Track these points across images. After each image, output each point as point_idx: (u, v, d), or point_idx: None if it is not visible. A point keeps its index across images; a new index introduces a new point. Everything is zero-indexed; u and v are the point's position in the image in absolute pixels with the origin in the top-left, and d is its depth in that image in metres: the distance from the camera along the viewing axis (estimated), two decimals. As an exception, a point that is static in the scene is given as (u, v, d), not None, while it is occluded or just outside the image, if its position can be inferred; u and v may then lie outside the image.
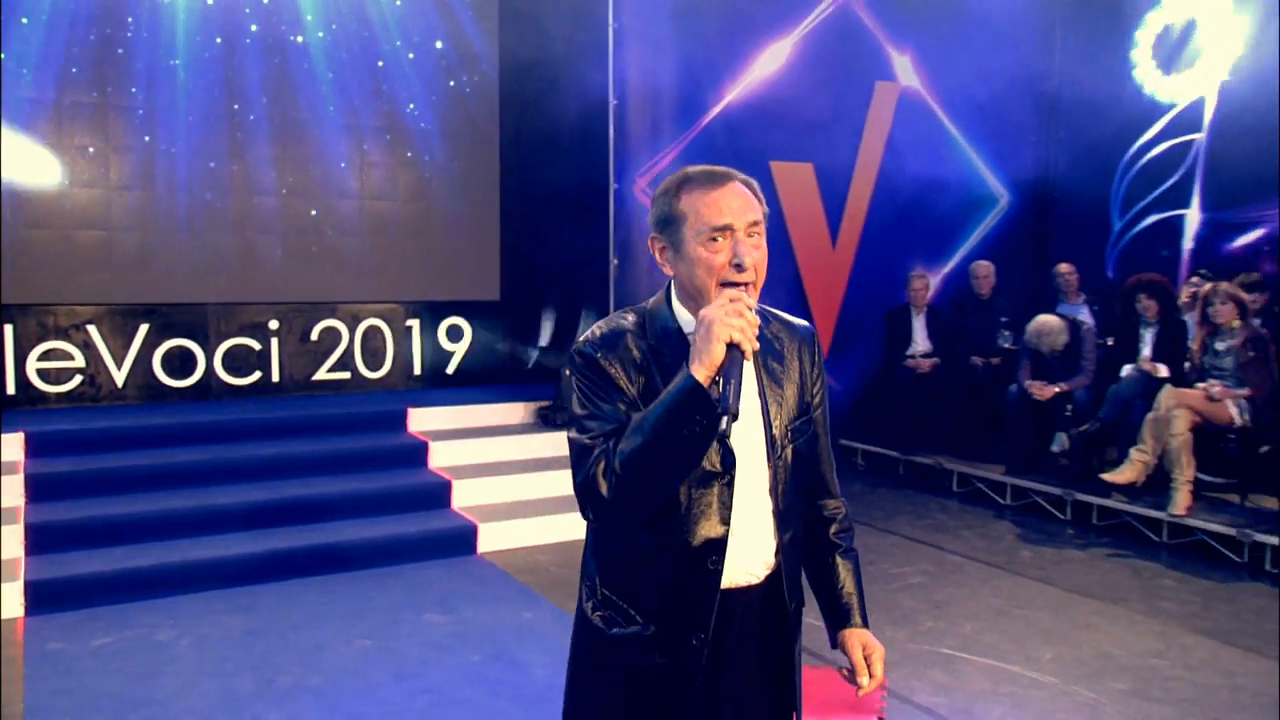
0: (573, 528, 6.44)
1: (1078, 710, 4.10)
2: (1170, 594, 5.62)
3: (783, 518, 2.09)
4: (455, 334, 8.06)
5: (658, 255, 2.07)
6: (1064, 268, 8.42)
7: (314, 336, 7.47)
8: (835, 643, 2.16)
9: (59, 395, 6.87)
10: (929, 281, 8.49)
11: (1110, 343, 7.33)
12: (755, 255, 1.95)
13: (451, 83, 7.91)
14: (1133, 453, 6.55)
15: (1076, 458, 7.09)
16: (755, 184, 2.06)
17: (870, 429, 8.94)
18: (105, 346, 6.91)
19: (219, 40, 7.02)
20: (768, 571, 2.09)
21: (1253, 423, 6.35)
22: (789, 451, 2.11)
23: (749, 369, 2.04)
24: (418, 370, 7.92)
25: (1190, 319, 6.95)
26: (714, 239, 1.95)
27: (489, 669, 4.61)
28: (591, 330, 2.08)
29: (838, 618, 2.19)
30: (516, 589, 5.66)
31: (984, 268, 8.42)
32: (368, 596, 5.51)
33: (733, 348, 1.80)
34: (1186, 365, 6.63)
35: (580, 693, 2.18)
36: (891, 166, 8.88)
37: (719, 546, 2.03)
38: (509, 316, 8.31)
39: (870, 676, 2.11)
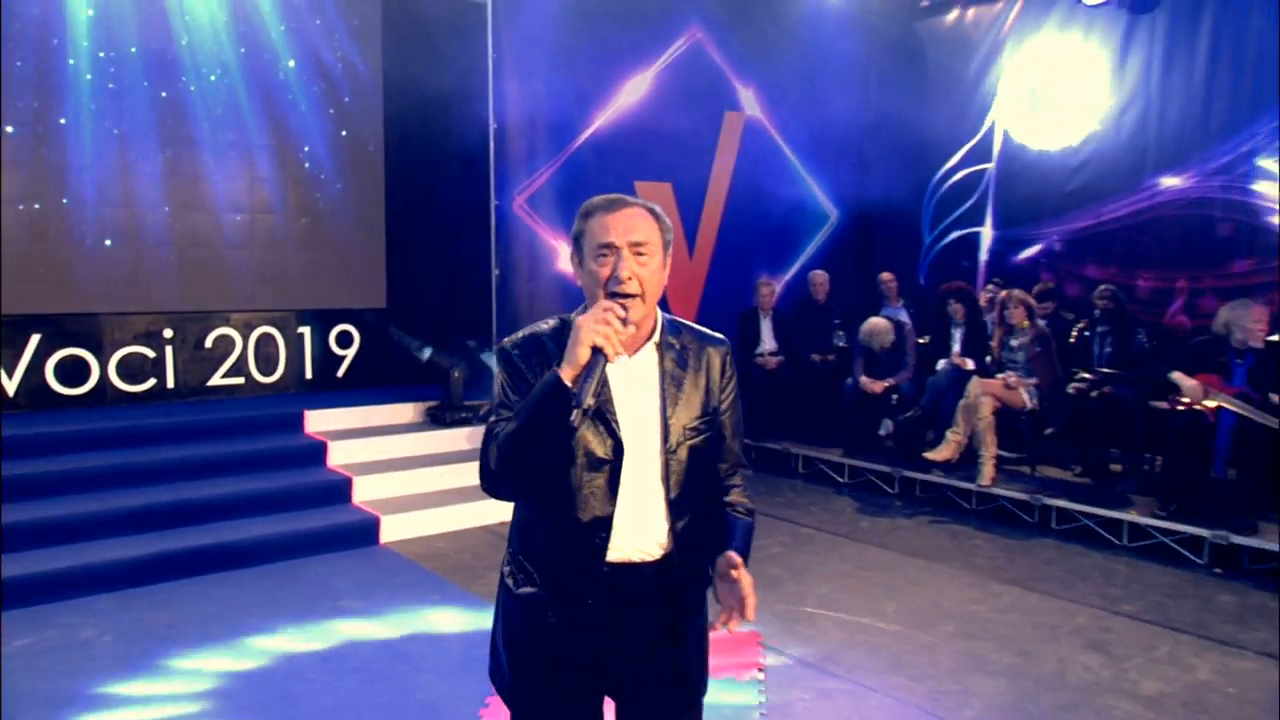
0: (468, 517, 6.59)
1: (918, 650, 4.53)
2: (981, 551, 6.17)
3: (675, 505, 2.18)
4: (345, 340, 7.96)
5: (575, 270, 2.21)
6: (886, 276, 8.93)
7: (208, 344, 7.28)
8: (716, 566, 2.12)
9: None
10: (774, 288, 8.78)
11: (926, 341, 7.87)
12: (636, 270, 2.06)
13: (336, 104, 7.79)
14: (948, 434, 7.04)
15: (902, 440, 7.62)
16: (657, 210, 2.17)
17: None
18: None
19: (103, 55, 6.73)
20: (663, 551, 2.18)
21: (1040, 407, 6.94)
22: (684, 448, 2.20)
23: (653, 373, 2.20)
24: (309, 375, 7.80)
25: (990, 320, 7.53)
26: (601, 255, 2.08)
27: (409, 646, 4.63)
28: (516, 334, 2.22)
29: (721, 544, 2.19)
30: (422, 574, 5.71)
31: (819, 276, 8.84)
32: (282, 588, 5.44)
33: (596, 351, 1.94)
34: (988, 359, 7.20)
35: (497, 640, 2.32)
36: (739, 186, 9.13)
37: (606, 524, 2.13)
38: (396, 323, 8.18)
39: (742, 608, 2.05)
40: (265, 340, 7.55)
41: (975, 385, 6.94)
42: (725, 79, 8.98)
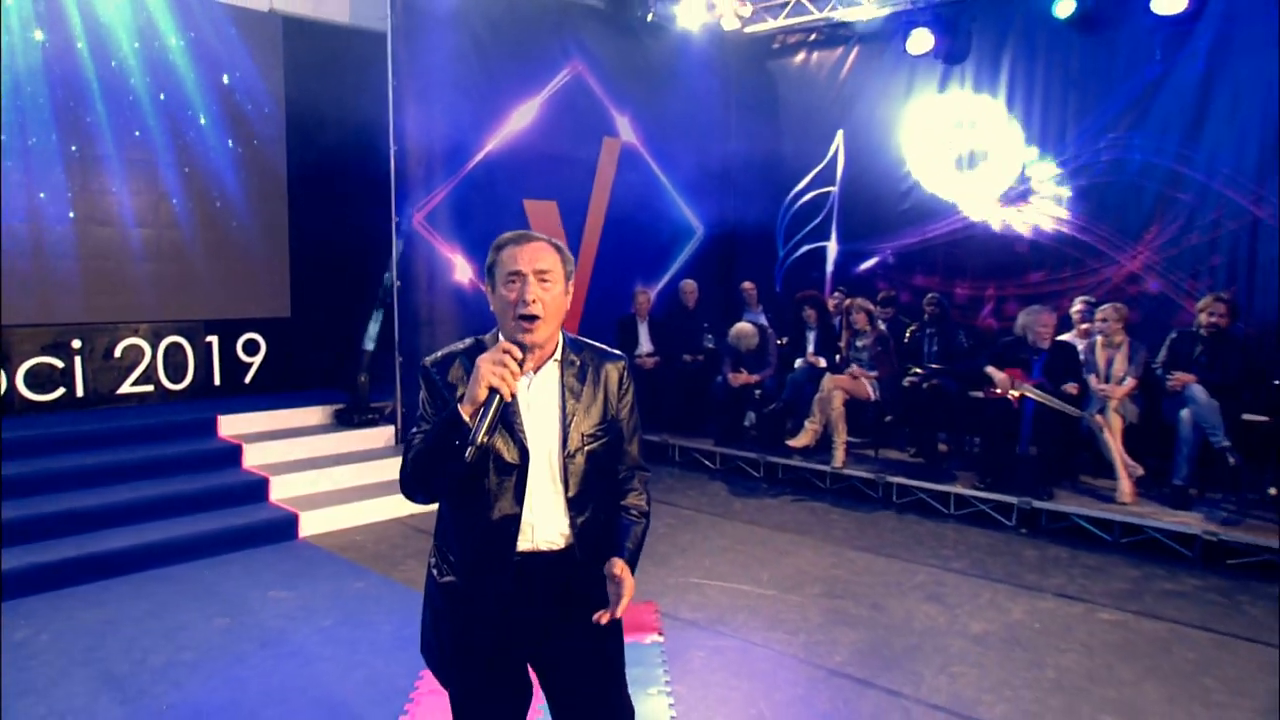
0: (382, 510, 6.61)
1: (791, 609, 4.88)
2: (836, 524, 6.52)
3: (574, 503, 2.24)
4: (252, 347, 7.77)
5: (489, 296, 2.26)
6: (747, 285, 9.29)
7: (117, 354, 7.00)
8: (605, 569, 2.20)
9: None
10: (649, 296, 8.93)
11: (784, 342, 8.21)
12: (540, 294, 2.13)
13: (240, 124, 7.58)
14: (806, 424, 7.38)
15: (765, 430, 7.97)
16: (560, 244, 2.24)
17: None
18: None
19: (8, 74, 6.40)
20: (566, 542, 2.25)
21: (881, 398, 7.34)
22: (582, 454, 2.25)
23: (555, 387, 2.25)
24: (218, 381, 7.56)
25: (838, 323, 7.92)
26: (510, 281, 2.15)
27: (341, 631, 4.68)
28: (436, 354, 2.28)
29: (610, 551, 2.26)
30: (343, 564, 5.70)
31: (689, 285, 9.05)
32: (211, 583, 5.36)
33: (493, 391, 2.01)
34: (837, 357, 7.57)
35: (427, 621, 2.39)
36: (617, 204, 9.17)
37: (515, 521, 2.20)
38: (300, 331, 8.04)
39: (618, 604, 2.16)
40: (174, 349, 7.30)
41: (828, 380, 7.31)
42: (603, 107, 9.02)
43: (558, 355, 2.24)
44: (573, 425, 2.22)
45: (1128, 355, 6.37)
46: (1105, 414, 6.20)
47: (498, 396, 2.00)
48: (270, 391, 7.83)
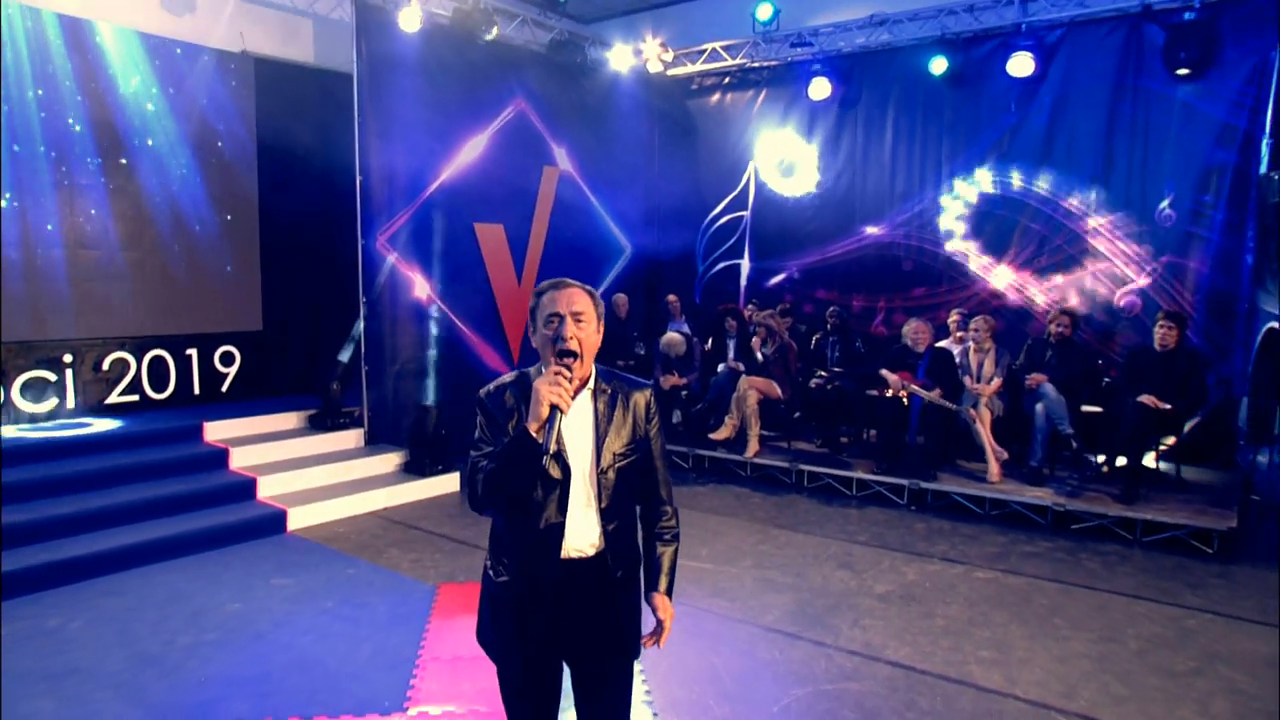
0: (360, 504, 6.76)
1: (728, 579, 5.28)
2: (758, 507, 6.92)
3: (605, 515, 2.31)
4: (228, 359, 7.77)
5: (531, 335, 2.35)
6: (672, 298, 9.55)
7: (105, 367, 6.97)
8: (647, 600, 2.42)
9: None
10: None
11: (709, 347, 8.48)
12: (576, 332, 2.22)
13: (215, 156, 7.57)
14: (726, 420, 7.84)
15: (691, 425, 8.33)
16: (592, 290, 2.34)
17: None
18: None
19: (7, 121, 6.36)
20: (595, 550, 2.32)
21: (791, 396, 7.82)
22: (613, 470, 2.32)
23: (589, 413, 2.33)
24: (198, 390, 7.55)
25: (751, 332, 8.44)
26: (550, 321, 2.23)
27: (343, 611, 4.85)
28: (489, 385, 2.35)
29: (649, 584, 2.44)
30: (332, 554, 5.83)
31: (621, 298, 9.31)
32: (215, 573, 5.44)
33: (553, 408, 2.11)
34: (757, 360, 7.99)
35: (482, 615, 2.45)
36: (556, 226, 9.29)
37: (559, 529, 2.27)
38: (271, 343, 8.07)
39: (661, 633, 2.41)
40: (157, 361, 7.29)
41: (743, 382, 7.76)
42: (543, 140, 9.16)
43: (591, 385, 2.33)
44: (605, 446, 2.30)
45: (995, 359, 7.02)
46: (977, 408, 6.83)
47: (558, 412, 2.12)
48: (246, 399, 7.82)
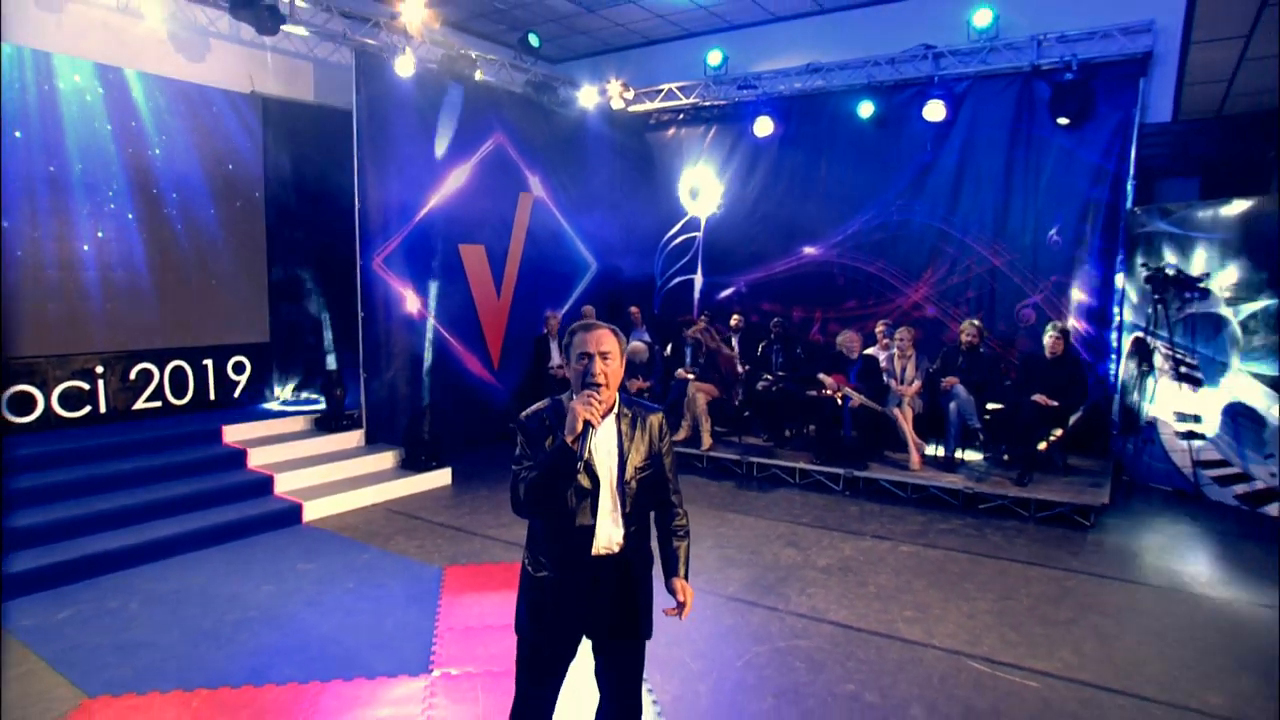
0: (367, 498, 6.97)
1: (693, 557, 5.26)
2: (714, 494, 7.29)
3: (627, 519, 2.49)
4: (239, 368, 7.93)
5: (565, 366, 2.52)
6: (634, 309, 9.86)
7: (132, 376, 7.12)
8: (668, 585, 2.60)
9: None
10: (557, 318, 9.34)
11: (669, 352, 8.87)
12: (603, 368, 2.40)
13: (228, 187, 7.70)
14: (683, 421, 8.25)
15: None
16: (617, 330, 2.49)
17: None
18: None
19: (21, 133, 6.43)
20: (619, 548, 2.50)
21: (742, 397, 8.29)
22: (634, 483, 2.49)
23: (614, 433, 2.50)
24: (213, 397, 7.69)
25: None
26: (581, 359, 2.42)
27: (364, 590, 5.11)
28: (528, 410, 2.53)
29: (669, 571, 2.63)
30: (346, 542, 6.05)
31: (589, 309, 9.39)
32: (245, 560, 5.64)
33: (586, 424, 2.31)
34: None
35: (521, 604, 2.60)
36: (530, 245, 9.58)
37: (589, 530, 2.45)
38: (277, 353, 8.23)
39: (683, 606, 2.57)
40: (177, 371, 7.45)
41: (692, 386, 8.19)
42: (519, 169, 9.42)
43: (615, 410, 2.52)
44: (628, 460, 2.49)
45: (915, 364, 7.59)
46: (901, 407, 7.37)
47: (590, 427, 2.35)
48: (255, 404, 8.01)
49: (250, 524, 6.17)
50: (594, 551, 2.45)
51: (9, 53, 6.28)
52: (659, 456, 2.55)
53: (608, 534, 2.48)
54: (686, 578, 2.59)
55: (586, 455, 2.38)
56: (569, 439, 2.30)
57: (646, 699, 3.74)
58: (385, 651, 4.31)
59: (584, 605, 2.49)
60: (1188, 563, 5.56)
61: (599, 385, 2.38)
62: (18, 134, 6.40)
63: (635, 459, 2.49)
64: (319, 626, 4.62)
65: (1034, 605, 4.87)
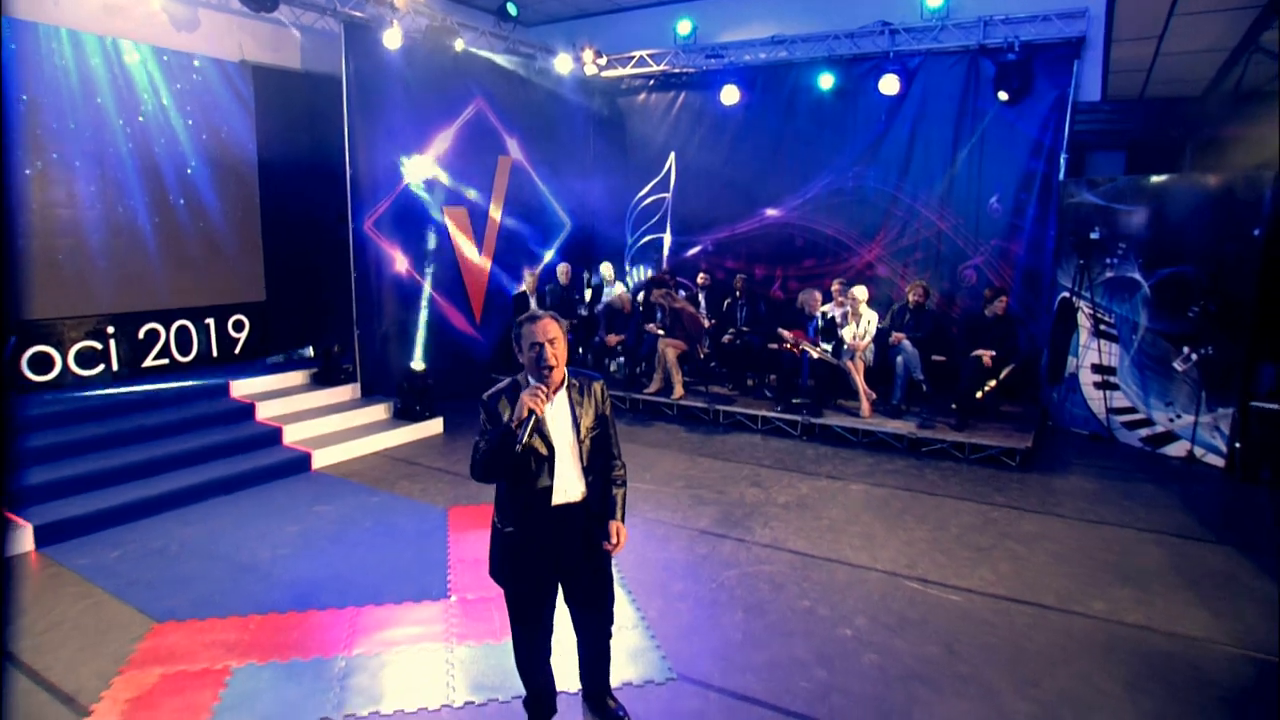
0: (368, 446, 7.40)
1: (667, 496, 6.21)
2: (685, 440, 7.82)
3: (586, 470, 2.89)
4: (239, 326, 8.25)
5: (518, 354, 2.82)
6: (605, 267, 10.21)
7: (140, 335, 7.44)
8: (604, 526, 2.98)
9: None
10: (536, 274, 9.72)
11: (642, 306, 9.30)
12: (552, 352, 2.73)
13: (223, 155, 7.91)
14: (655, 373, 8.78)
15: (627, 377, 9.20)
16: (558, 316, 2.80)
17: (510, 366, 9.61)
18: None
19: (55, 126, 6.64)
20: (580, 497, 2.90)
21: (708, 350, 8.81)
22: (588, 441, 2.89)
23: (566, 403, 2.84)
24: (215, 354, 8.02)
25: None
26: (533, 347, 2.74)
27: (379, 529, 5.60)
28: (490, 390, 2.84)
29: (609, 514, 3.00)
30: (355, 486, 6.50)
31: (564, 267, 9.96)
32: (263, 504, 6.05)
33: (530, 412, 2.67)
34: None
35: (494, 557, 3.00)
36: (509, 205, 9.85)
37: (549, 490, 2.83)
38: (273, 311, 8.51)
39: (616, 545, 2.96)
40: (182, 330, 7.76)
41: (662, 343, 8.72)
42: (498, 133, 9.72)
43: (565, 384, 2.91)
44: (581, 423, 2.89)
45: (868, 320, 8.30)
46: (854, 360, 7.99)
47: (533, 416, 2.71)
48: (256, 360, 8.34)
49: (265, 472, 6.59)
50: (557, 501, 2.83)
51: (20, 27, 6.44)
52: (604, 417, 2.96)
53: (570, 486, 2.85)
54: (623, 519, 3.01)
55: (543, 427, 2.76)
56: (515, 424, 2.67)
57: (636, 617, 4.41)
58: (407, 581, 4.85)
59: (550, 551, 2.90)
60: (1092, 497, 6.38)
61: (551, 367, 2.73)
62: (25, 97, 6.60)
63: (586, 421, 2.89)
64: (345, 560, 5.13)
65: (961, 534, 5.63)
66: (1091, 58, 7.88)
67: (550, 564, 2.91)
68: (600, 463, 2.96)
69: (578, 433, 2.85)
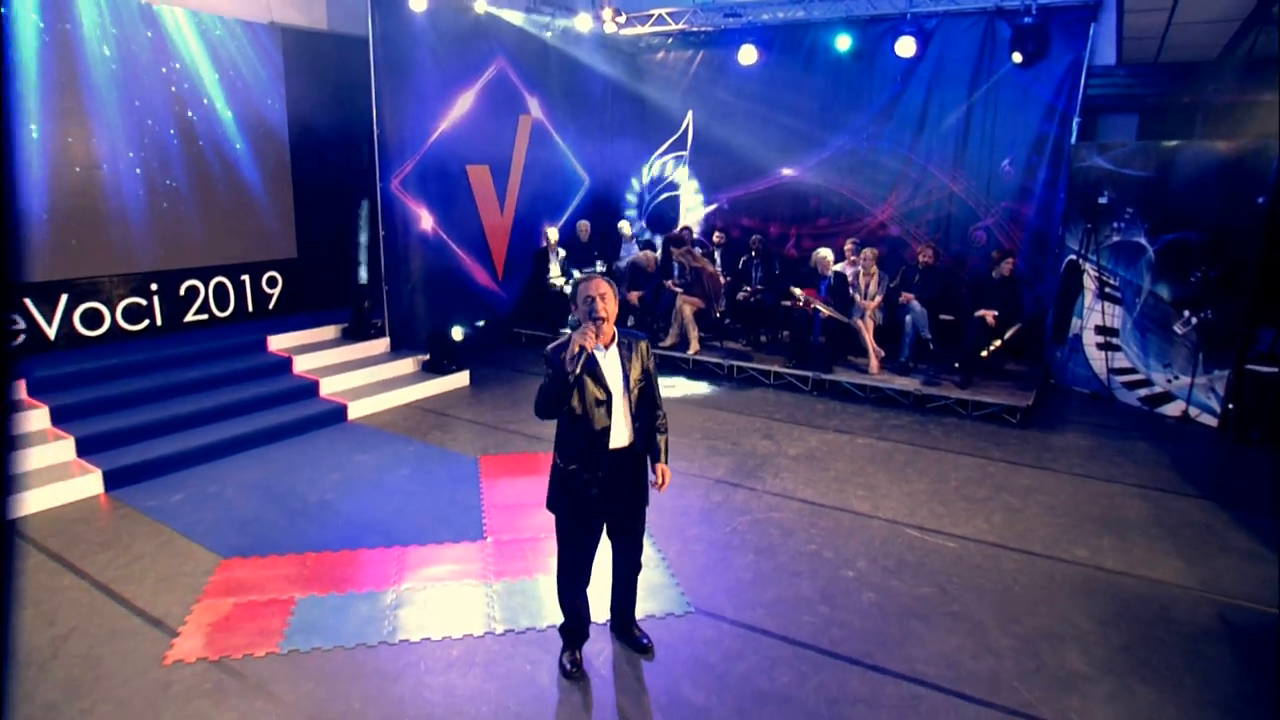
0: (399, 398, 7.75)
1: (685, 448, 6.54)
2: (700, 395, 8.18)
3: (634, 418, 3.25)
4: (272, 282, 8.62)
5: (573, 308, 3.22)
6: (623, 224, 10.69)
7: (181, 292, 7.81)
8: (652, 468, 3.41)
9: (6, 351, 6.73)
10: (556, 231, 10.14)
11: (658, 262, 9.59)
12: (603, 305, 3.10)
13: (255, 119, 8.18)
14: (671, 328, 9.15)
15: (643, 330, 9.74)
16: (609, 278, 3.19)
17: (530, 320, 10.36)
18: (39, 311, 6.92)
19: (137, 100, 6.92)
20: (629, 441, 3.25)
21: (724, 307, 9.16)
22: (635, 392, 3.24)
23: (617, 359, 3.19)
24: (251, 309, 8.40)
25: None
26: (586, 300, 3.14)
27: (416, 476, 5.97)
28: (551, 344, 3.20)
29: (654, 458, 3.42)
30: (390, 436, 6.87)
31: (584, 224, 10.34)
32: (308, 453, 6.43)
33: (581, 349, 3.04)
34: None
35: (552, 492, 3.36)
36: (530, 164, 10.13)
37: (606, 431, 3.20)
38: (304, 268, 8.86)
39: (662, 484, 3.43)
40: (220, 287, 8.14)
41: (679, 299, 9.05)
42: (520, 93, 9.97)
43: (615, 341, 3.28)
44: (630, 376, 3.27)
45: (878, 281, 8.53)
46: (864, 318, 8.34)
47: (584, 350, 3.10)
48: (289, 315, 8.71)
49: (305, 423, 6.99)
50: (611, 446, 3.22)
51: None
52: (648, 372, 3.36)
53: (621, 432, 3.25)
54: (666, 462, 3.48)
55: (596, 368, 3.14)
56: (568, 356, 3.09)
57: (657, 558, 4.86)
58: (445, 523, 5.29)
59: (604, 486, 3.28)
60: (1087, 454, 6.75)
61: (601, 319, 3.15)
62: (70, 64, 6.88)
63: (634, 374, 3.28)
64: (387, 504, 5.56)
65: (960, 486, 6.03)
66: (1107, 20, 7.98)
67: (602, 498, 3.27)
68: (646, 411, 3.34)
69: (627, 384, 3.21)
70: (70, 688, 3.59)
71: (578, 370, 3.06)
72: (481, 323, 8.83)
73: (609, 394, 3.19)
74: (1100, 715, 3.47)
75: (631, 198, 11.55)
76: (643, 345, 3.33)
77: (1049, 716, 3.46)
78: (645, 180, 11.44)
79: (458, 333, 8.68)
